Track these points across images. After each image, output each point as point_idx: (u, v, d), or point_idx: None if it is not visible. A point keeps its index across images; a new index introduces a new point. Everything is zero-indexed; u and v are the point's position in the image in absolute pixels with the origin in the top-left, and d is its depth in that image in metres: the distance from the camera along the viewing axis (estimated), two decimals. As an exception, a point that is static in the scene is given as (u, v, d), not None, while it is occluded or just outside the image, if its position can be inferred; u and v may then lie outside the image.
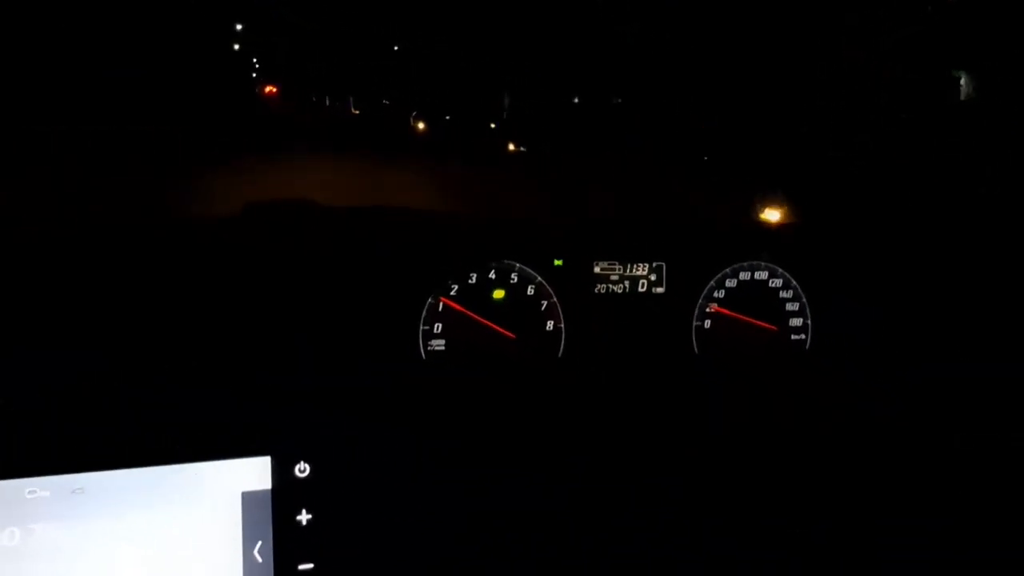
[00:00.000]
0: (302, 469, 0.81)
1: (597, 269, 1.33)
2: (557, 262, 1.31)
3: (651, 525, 1.08)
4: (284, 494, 0.81)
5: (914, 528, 1.13)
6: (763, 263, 1.37)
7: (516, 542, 0.95)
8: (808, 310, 1.38)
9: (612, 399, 1.23)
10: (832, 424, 1.21)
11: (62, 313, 0.96)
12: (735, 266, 1.36)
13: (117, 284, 1.00)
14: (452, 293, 1.27)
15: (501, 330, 1.29)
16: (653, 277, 1.34)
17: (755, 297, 1.37)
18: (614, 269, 1.33)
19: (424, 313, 1.26)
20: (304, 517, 0.81)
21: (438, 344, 1.27)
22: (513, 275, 1.30)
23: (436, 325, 1.27)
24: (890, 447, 1.19)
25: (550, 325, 1.31)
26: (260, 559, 0.80)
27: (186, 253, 1.12)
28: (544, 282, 1.30)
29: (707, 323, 1.35)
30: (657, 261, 1.34)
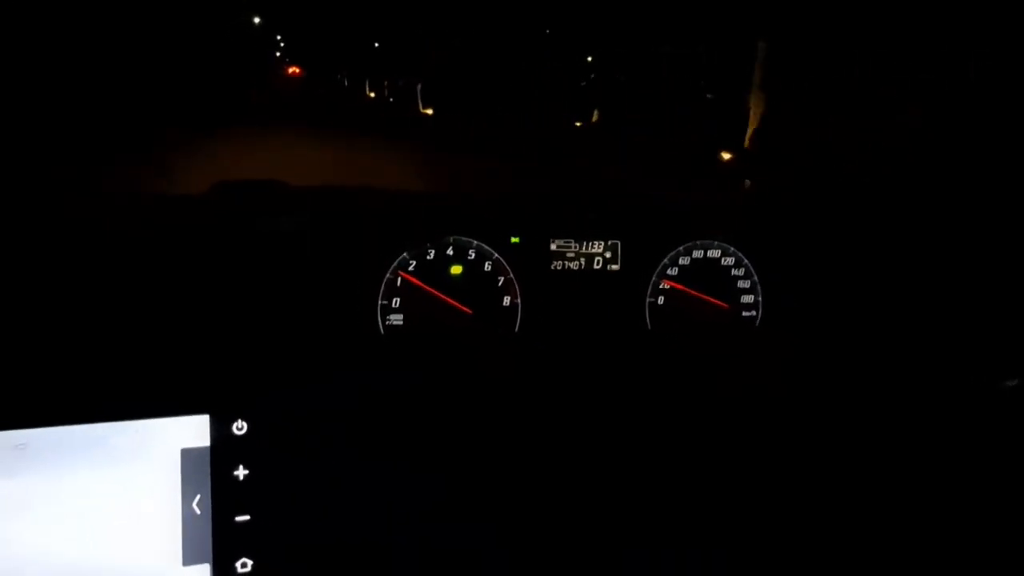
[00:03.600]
0: (239, 427, 0.85)
1: (553, 246, 1.35)
2: (514, 239, 1.34)
3: (604, 498, 1.11)
4: (222, 450, 0.84)
5: (862, 501, 1.16)
6: (716, 241, 1.40)
7: (453, 506, 0.98)
8: (759, 288, 1.41)
9: (567, 374, 1.26)
10: (781, 400, 1.24)
11: (16, 277, 0.98)
12: (688, 244, 1.39)
13: (71, 250, 1.03)
14: (410, 269, 1.30)
15: (458, 305, 1.32)
16: (608, 255, 1.37)
17: (708, 275, 1.40)
18: (570, 247, 1.36)
19: (382, 288, 1.29)
20: (241, 472, 0.84)
21: (396, 319, 1.30)
22: (470, 251, 1.33)
23: (394, 300, 1.30)
24: (835, 423, 1.22)
25: (507, 301, 1.34)
26: (198, 511, 0.83)
27: (149, 226, 1.15)
28: (501, 259, 1.33)
29: (660, 299, 1.38)
30: (612, 239, 1.37)
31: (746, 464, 1.18)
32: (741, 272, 1.41)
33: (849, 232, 1.40)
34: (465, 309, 1.32)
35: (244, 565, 0.84)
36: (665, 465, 1.16)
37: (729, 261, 1.40)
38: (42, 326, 0.95)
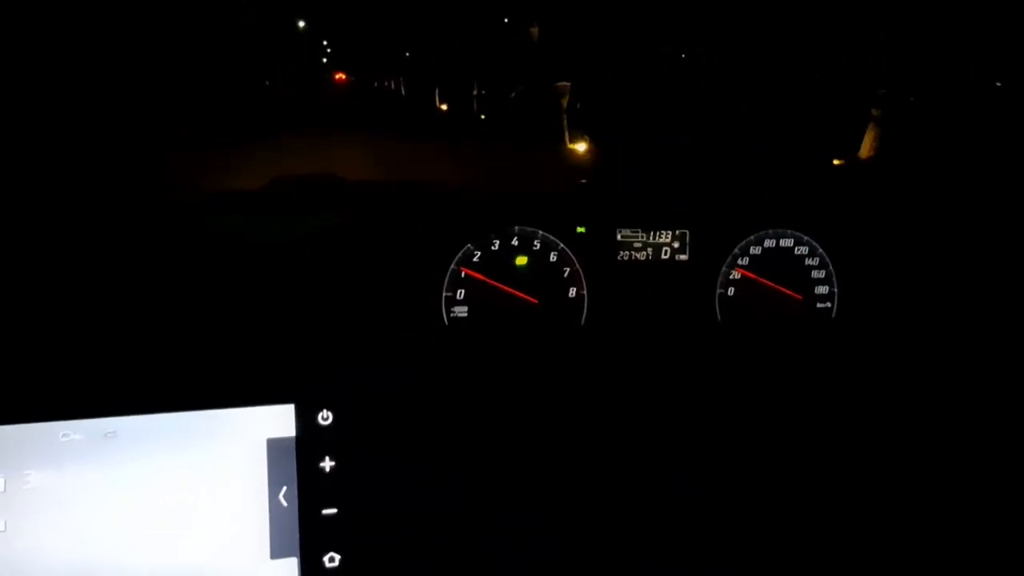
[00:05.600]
0: (325, 417, 0.83)
1: (620, 236, 1.32)
2: (580, 229, 1.31)
3: (672, 491, 1.08)
4: (308, 441, 0.82)
5: (931, 496, 1.12)
6: (790, 230, 1.35)
7: (533, 500, 0.96)
8: (835, 278, 1.36)
9: (634, 366, 1.23)
10: (857, 397, 1.20)
11: (103, 271, 0.98)
12: (760, 233, 1.34)
13: (154, 245, 1.02)
14: (475, 260, 1.28)
15: (524, 296, 1.29)
16: (676, 244, 1.33)
17: (780, 265, 1.35)
18: (637, 236, 1.33)
19: (447, 280, 1.26)
20: (327, 464, 0.83)
21: (460, 311, 1.28)
22: (536, 242, 1.30)
23: (459, 291, 1.27)
24: (913, 418, 1.18)
25: (573, 292, 1.31)
26: (285, 503, 0.81)
27: (220, 220, 1.15)
28: (567, 249, 1.30)
29: (731, 291, 1.34)
30: (681, 228, 1.33)
31: (817, 458, 1.15)
32: (815, 262, 1.36)
33: (930, 219, 1.35)
34: (531, 300, 1.29)
35: (332, 560, 0.82)
36: (734, 457, 1.13)
37: (803, 250, 1.36)
38: (133, 315, 0.95)
